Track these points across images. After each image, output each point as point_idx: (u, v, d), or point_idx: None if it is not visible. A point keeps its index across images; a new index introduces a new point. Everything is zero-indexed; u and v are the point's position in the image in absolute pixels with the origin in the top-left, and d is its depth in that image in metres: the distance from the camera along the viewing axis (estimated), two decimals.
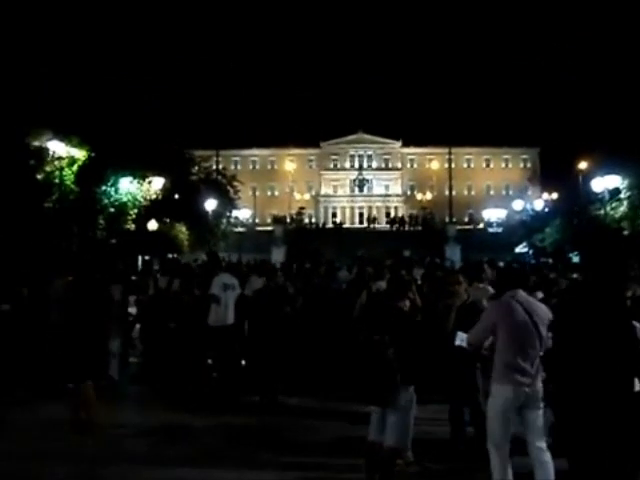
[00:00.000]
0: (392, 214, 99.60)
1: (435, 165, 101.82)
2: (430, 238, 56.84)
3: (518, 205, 61.55)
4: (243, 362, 12.54)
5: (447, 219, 78.05)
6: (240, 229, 57.70)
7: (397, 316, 7.50)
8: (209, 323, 11.64)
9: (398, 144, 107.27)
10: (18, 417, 10.18)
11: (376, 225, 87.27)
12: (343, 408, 10.01)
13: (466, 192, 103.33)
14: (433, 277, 12.25)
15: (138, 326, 15.01)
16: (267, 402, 10.74)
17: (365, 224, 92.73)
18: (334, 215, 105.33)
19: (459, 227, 67.82)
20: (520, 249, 47.83)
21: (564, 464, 6.83)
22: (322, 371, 11.62)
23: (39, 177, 30.76)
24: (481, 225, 76.94)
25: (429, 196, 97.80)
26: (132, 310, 14.69)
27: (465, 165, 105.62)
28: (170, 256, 38.40)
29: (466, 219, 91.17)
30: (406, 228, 75.13)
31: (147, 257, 39.11)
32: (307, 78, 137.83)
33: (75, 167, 31.97)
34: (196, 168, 47.97)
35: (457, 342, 7.48)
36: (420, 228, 72.57)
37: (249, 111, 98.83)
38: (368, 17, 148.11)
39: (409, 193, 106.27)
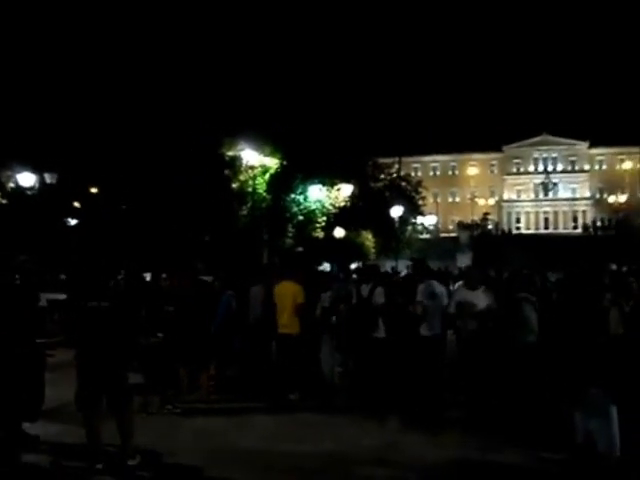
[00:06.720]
0: (579, 218, 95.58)
1: (627, 165, 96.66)
2: (626, 243, 53.51)
3: None
4: None
5: None
6: (425, 235, 57.19)
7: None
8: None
9: (585, 145, 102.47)
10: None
11: (561, 230, 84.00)
12: None
13: None
14: None
15: None
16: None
17: (550, 229, 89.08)
18: (518, 220, 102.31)
19: None
20: None
21: None
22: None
23: (234, 186, 31.77)
24: None
25: (622, 198, 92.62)
26: None
27: None
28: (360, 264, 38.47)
29: None
30: (598, 233, 71.61)
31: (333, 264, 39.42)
32: (487, 81, 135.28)
33: (267, 176, 32.67)
34: (382, 176, 48.01)
35: None
36: (613, 232, 68.87)
37: (429, 118, 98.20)
38: (550, 17, 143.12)
39: (598, 196, 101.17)
